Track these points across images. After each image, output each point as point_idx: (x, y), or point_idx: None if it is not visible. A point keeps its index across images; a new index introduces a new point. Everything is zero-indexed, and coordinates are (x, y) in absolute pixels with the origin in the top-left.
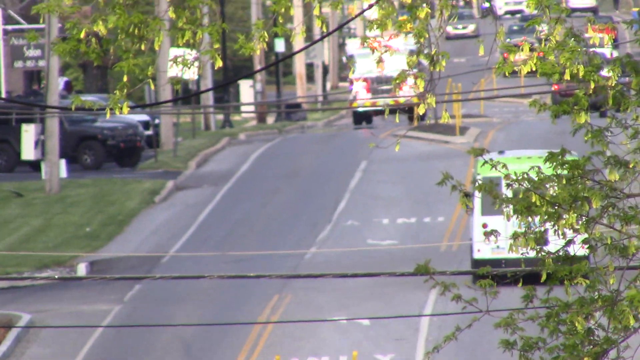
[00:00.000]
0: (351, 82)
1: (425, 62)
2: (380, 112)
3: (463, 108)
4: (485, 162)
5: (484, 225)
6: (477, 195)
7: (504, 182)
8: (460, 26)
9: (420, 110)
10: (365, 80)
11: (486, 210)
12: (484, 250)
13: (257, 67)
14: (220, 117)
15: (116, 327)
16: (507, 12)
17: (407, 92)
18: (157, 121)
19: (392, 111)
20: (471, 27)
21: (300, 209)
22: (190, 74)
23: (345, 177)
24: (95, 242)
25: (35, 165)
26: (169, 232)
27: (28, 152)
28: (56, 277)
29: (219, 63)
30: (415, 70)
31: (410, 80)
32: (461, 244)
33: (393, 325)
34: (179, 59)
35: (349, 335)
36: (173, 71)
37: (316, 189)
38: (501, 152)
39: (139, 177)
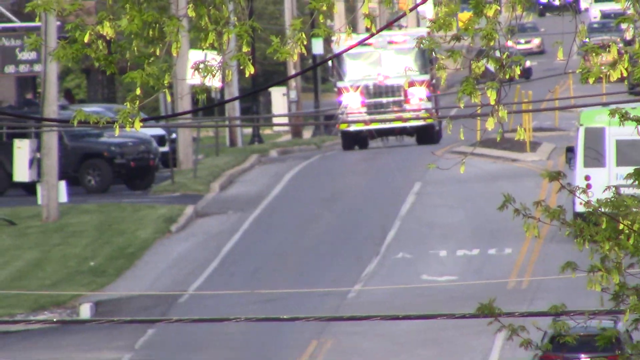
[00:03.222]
0: (339, 92)
1: (492, 67)
2: (380, 133)
3: (534, 120)
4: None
5: (587, 178)
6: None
7: (607, 133)
8: (522, 40)
9: (489, 125)
10: (357, 89)
11: (588, 163)
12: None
13: (292, 72)
14: (248, 130)
15: None
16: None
17: (415, 106)
18: (173, 136)
19: (400, 131)
20: (536, 42)
21: (343, 240)
22: (215, 82)
23: (396, 201)
24: (100, 279)
25: (29, 188)
26: (187, 267)
27: (21, 172)
28: (55, 320)
29: (251, 69)
30: (425, 78)
31: (421, 91)
32: (532, 279)
33: None
34: (202, 66)
35: None
36: (194, 79)
37: (361, 215)
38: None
39: (153, 201)
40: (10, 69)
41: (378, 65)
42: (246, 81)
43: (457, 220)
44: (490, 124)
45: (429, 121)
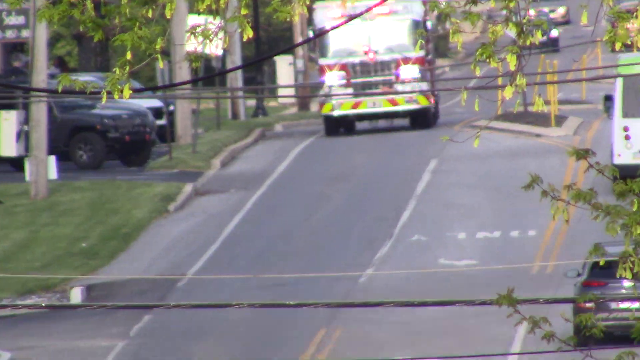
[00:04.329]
0: (322, 70)
1: (511, 33)
2: (369, 117)
3: (560, 92)
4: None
5: (625, 129)
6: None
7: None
8: (546, 9)
9: (507, 93)
10: (343, 67)
11: (627, 113)
12: (625, 155)
13: (298, 39)
14: (252, 102)
15: None
16: None
17: (408, 87)
18: (171, 108)
19: (391, 116)
20: (560, 11)
21: (353, 221)
22: (213, 48)
23: (410, 180)
24: (93, 261)
25: (17, 163)
26: (186, 249)
27: (8, 146)
28: (43, 305)
29: (249, 33)
30: (419, 54)
31: (415, 70)
32: (558, 264)
33: None
34: (198, 30)
35: None
36: (191, 45)
37: (373, 195)
38: None
39: (149, 178)
40: None
41: (365, 40)
42: (250, 50)
43: (476, 200)
44: (508, 92)
45: (424, 103)
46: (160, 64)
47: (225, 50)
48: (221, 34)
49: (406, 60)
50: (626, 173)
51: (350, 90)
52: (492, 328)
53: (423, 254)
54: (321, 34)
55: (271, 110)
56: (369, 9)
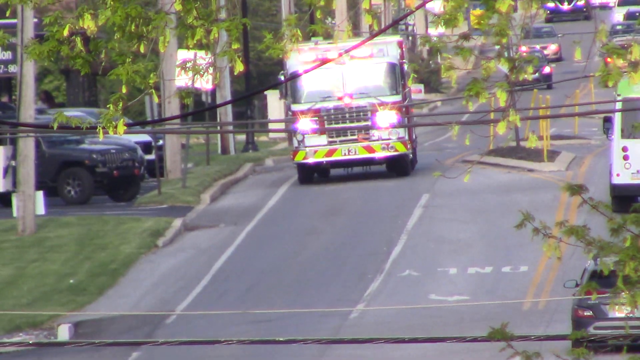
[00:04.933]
0: (294, 116)
1: (504, 69)
2: (344, 165)
3: (552, 127)
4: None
5: (624, 149)
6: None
7: None
8: (538, 46)
9: (500, 129)
10: (316, 113)
11: (626, 134)
12: (623, 175)
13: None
14: (242, 137)
15: None
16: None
17: (385, 130)
18: (160, 143)
19: (367, 163)
20: (553, 48)
21: (344, 256)
22: (204, 83)
23: (402, 214)
24: (81, 298)
25: (4, 199)
26: (175, 285)
27: None
28: (31, 342)
29: (240, 67)
30: (396, 99)
31: (392, 116)
32: (550, 300)
33: None
34: (189, 65)
35: None
36: (181, 80)
37: (364, 229)
38: None
39: (138, 214)
40: None
41: (340, 84)
42: (240, 84)
43: (468, 235)
44: (501, 128)
45: (401, 150)
46: (155, 99)
47: (215, 84)
48: (211, 70)
49: (382, 106)
50: (624, 193)
51: (324, 137)
52: None
53: (414, 290)
54: (293, 77)
55: (261, 145)
56: (345, 51)
